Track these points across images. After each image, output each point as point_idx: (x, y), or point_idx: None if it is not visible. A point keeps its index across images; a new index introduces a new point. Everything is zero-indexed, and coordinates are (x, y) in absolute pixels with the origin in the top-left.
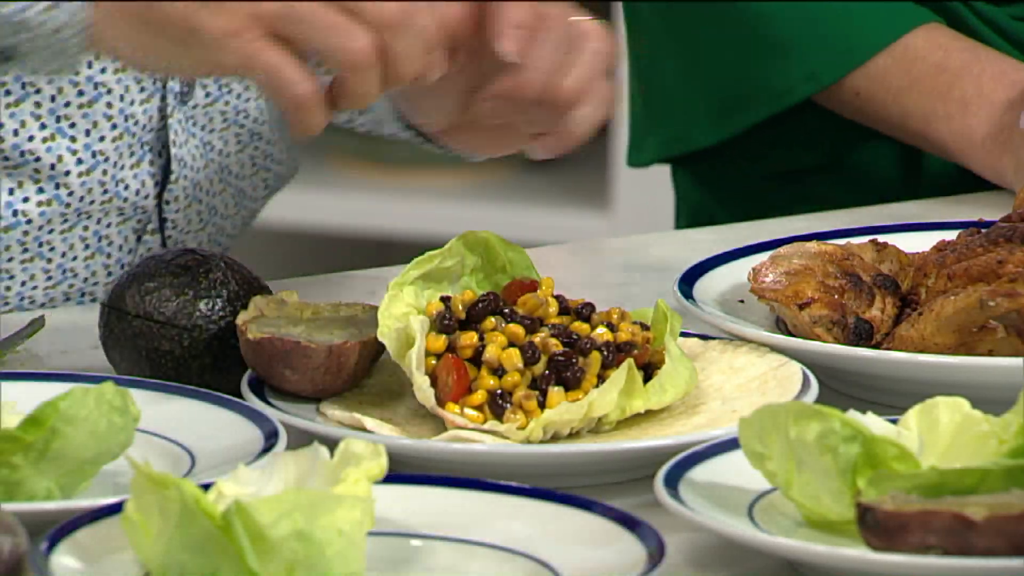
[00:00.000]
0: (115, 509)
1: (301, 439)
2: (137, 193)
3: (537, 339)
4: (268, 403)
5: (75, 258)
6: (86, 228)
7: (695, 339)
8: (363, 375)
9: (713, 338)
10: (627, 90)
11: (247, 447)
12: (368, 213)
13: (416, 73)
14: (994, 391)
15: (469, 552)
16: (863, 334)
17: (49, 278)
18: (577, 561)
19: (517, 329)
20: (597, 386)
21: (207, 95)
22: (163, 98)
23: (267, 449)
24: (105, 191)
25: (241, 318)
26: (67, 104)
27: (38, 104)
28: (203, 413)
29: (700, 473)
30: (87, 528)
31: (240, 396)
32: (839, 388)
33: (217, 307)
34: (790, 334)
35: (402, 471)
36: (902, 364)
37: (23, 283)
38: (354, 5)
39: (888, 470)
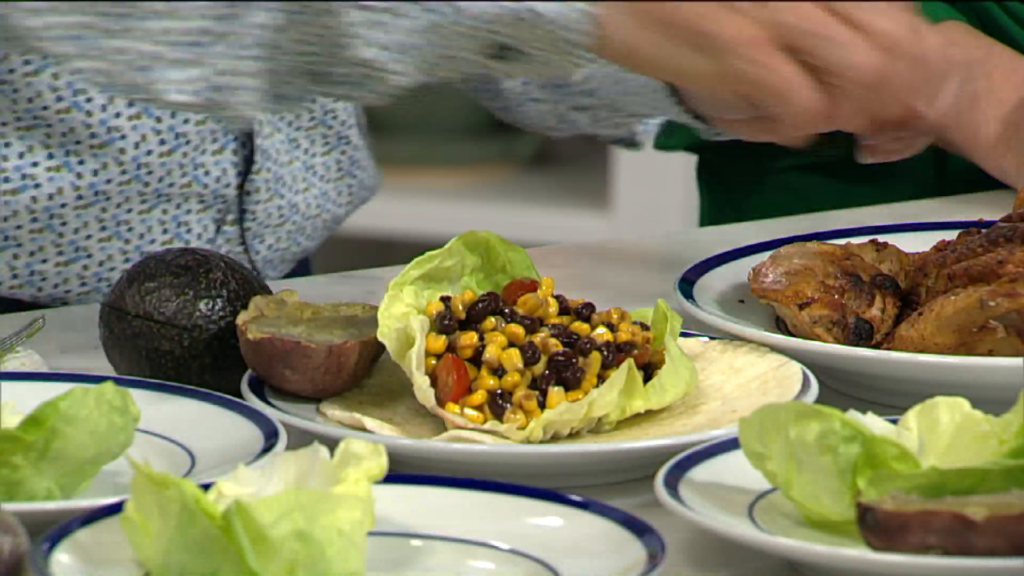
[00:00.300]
0: (115, 509)
1: (301, 439)
2: (218, 180)
3: (537, 339)
4: (268, 403)
5: (153, 241)
6: (165, 212)
7: (695, 339)
8: (363, 375)
9: (713, 338)
10: None
11: (247, 447)
12: (368, 213)
13: (907, 108)
14: (994, 391)
15: (469, 552)
16: (863, 334)
17: (127, 260)
18: (577, 561)
19: (517, 329)
20: (597, 386)
21: None
22: None
23: (267, 449)
24: (184, 174)
25: (241, 318)
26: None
27: None
28: (203, 413)
29: (700, 473)
30: (87, 528)
31: (240, 396)
32: (839, 388)
33: (217, 307)
34: (790, 334)
35: (402, 471)
36: (902, 364)
37: (100, 263)
38: (867, 24)
39: (888, 470)
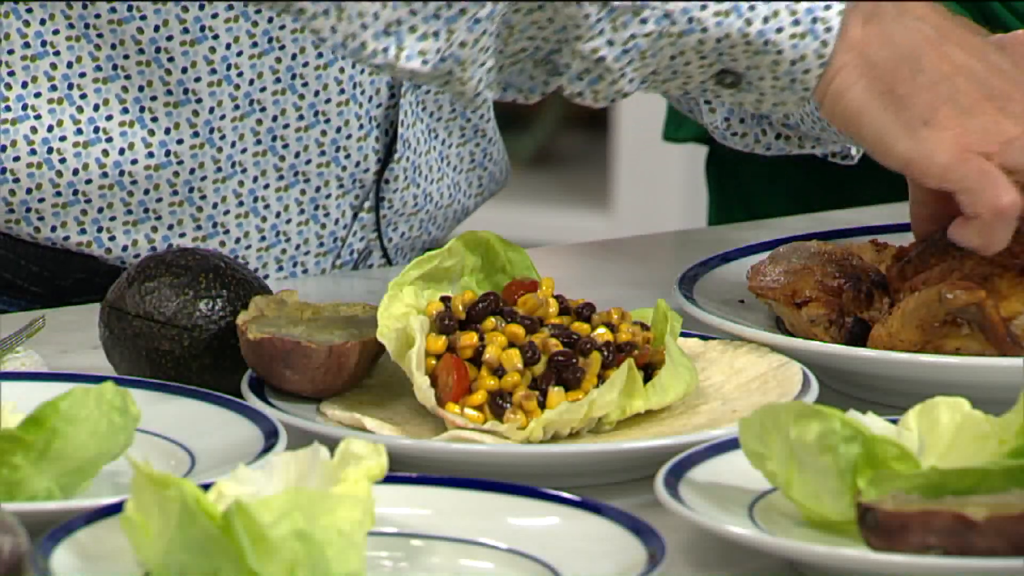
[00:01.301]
0: (115, 509)
1: (301, 439)
2: (358, 165)
3: (537, 339)
4: (268, 403)
5: (289, 221)
6: (303, 192)
7: (695, 339)
8: (363, 375)
9: (713, 338)
10: None
11: (247, 447)
12: None
13: None
14: (994, 391)
15: (469, 552)
16: (860, 334)
17: (263, 238)
18: (577, 561)
19: (517, 329)
20: (597, 386)
21: None
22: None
23: (267, 449)
24: (322, 152)
25: (241, 318)
26: (305, 64)
27: (279, 60)
28: (203, 413)
29: (700, 473)
30: (87, 528)
31: (240, 396)
32: (839, 388)
33: (217, 307)
34: (790, 334)
35: (402, 471)
36: (902, 364)
37: (237, 240)
38: None
39: (888, 470)
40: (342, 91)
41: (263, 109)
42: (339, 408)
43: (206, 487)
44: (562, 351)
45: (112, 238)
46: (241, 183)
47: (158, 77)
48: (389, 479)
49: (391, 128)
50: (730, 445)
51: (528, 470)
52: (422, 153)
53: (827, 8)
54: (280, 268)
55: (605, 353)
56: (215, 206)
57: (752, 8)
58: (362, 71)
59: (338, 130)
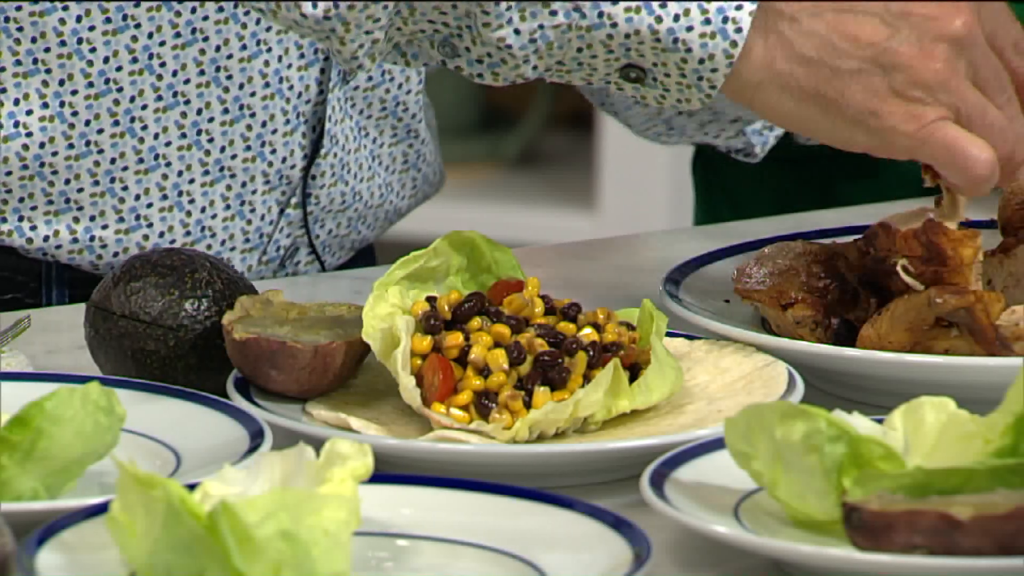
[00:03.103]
0: (101, 509)
1: (287, 439)
2: (284, 161)
3: (523, 339)
4: (254, 403)
5: (214, 216)
6: (229, 188)
7: (681, 339)
8: (349, 375)
9: (699, 338)
10: None
11: (233, 447)
12: None
13: None
14: (980, 391)
15: (455, 552)
16: (846, 335)
17: (187, 233)
18: (563, 561)
19: (503, 329)
20: (583, 386)
21: (369, 79)
22: (322, 71)
23: (253, 449)
24: (248, 147)
25: (227, 318)
26: (229, 56)
27: (202, 51)
28: (189, 413)
29: (686, 473)
30: (73, 528)
31: (226, 396)
32: (825, 388)
33: (203, 307)
34: (775, 334)
35: (388, 471)
36: (888, 364)
37: (161, 234)
38: (1004, 98)
39: (874, 470)
40: (267, 85)
41: (187, 102)
42: (325, 408)
43: (192, 487)
44: (548, 351)
45: (33, 227)
46: (165, 176)
47: (79, 69)
48: (375, 479)
49: (319, 124)
50: (716, 445)
51: (514, 470)
52: (351, 150)
53: (738, 8)
54: None
55: (591, 353)
56: (137, 198)
57: (663, 5)
58: (288, 65)
59: (264, 125)
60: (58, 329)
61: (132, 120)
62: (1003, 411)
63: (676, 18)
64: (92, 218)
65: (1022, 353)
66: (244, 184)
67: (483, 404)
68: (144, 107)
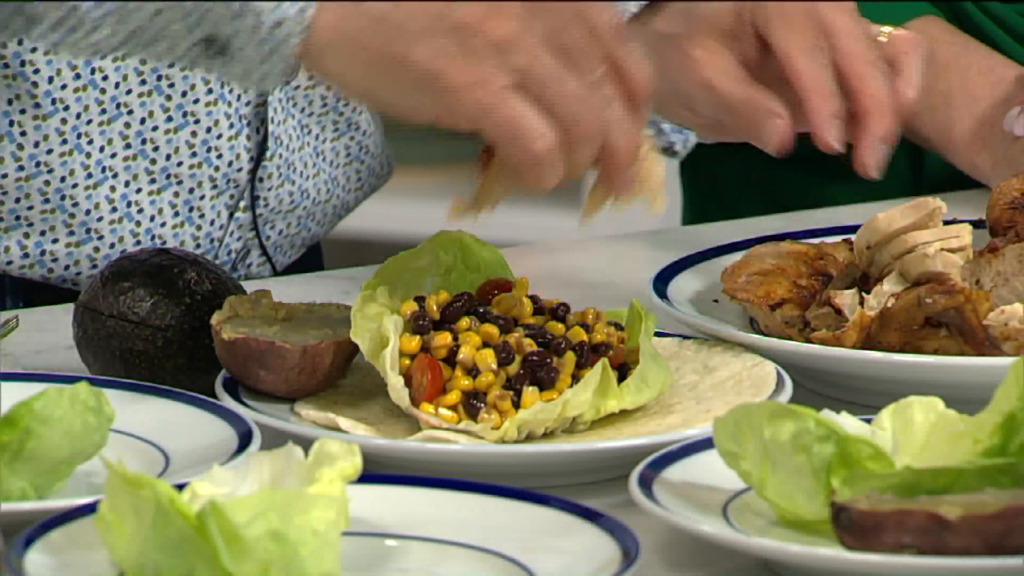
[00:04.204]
0: (90, 509)
1: (276, 439)
2: (230, 165)
3: (511, 339)
4: (242, 403)
5: (164, 224)
6: (176, 195)
7: (670, 339)
8: (337, 375)
9: (688, 338)
10: None
11: (221, 447)
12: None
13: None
14: (968, 391)
15: (444, 552)
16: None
17: (138, 242)
18: (551, 561)
19: (491, 329)
20: (571, 386)
21: (309, 77)
22: None
23: (241, 449)
24: (194, 153)
25: (215, 318)
26: (171, 64)
27: (143, 60)
28: (177, 413)
29: (674, 473)
30: (62, 528)
31: (214, 396)
32: (813, 388)
33: (191, 307)
34: (764, 334)
35: (377, 471)
36: (876, 364)
37: (112, 245)
38: (587, 64)
39: (862, 469)
40: (210, 91)
41: (130, 112)
42: (313, 408)
43: (180, 487)
44: (536, 351)
45: None
46: (113, 188)
47: (25, 90)
48: (363, 479)
49: (262, 126)
50: (704, 445)
51: (502, 470)
52: (295, 149)
53: None
54: None
55: (579, 353)
56: (88, 212)
57: None
58: None
59: (208, 130)
60: (46, 329)
61: (79, 136)
62: (992, 411)
63: None
64: (43, 232)
65: (1011, 353)
66: (192, 190)
67: (471, 404)
68: (89, 122)
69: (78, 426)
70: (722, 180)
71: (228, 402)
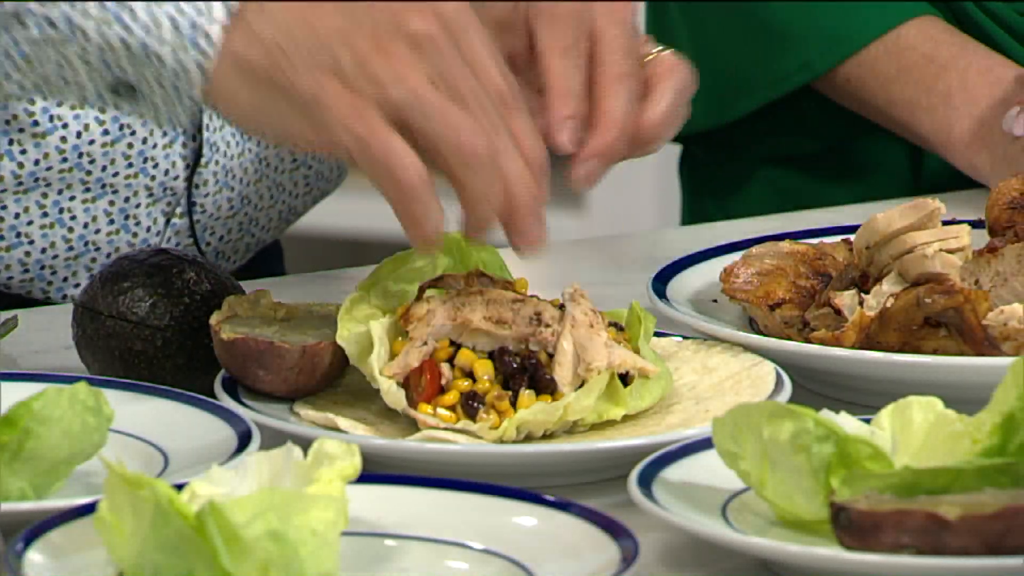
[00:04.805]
0: (89, 509)
1: (275, 439)
2: (167, 173)
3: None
4: (242, 403)
5: (98, 231)
6: (112, 203)
7: (669, 339)
8: (337, 375)
9: (687, 338)
10: None
11: (220, 447)
12: (342, 213)
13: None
14: (968, 391)
15: (443, 552)
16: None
17: (70, 248)
18: (551, 561)
19: None
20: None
21: None
22: None
23: (240, 449)
24: (130, 164)
25: (214, 318)
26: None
27: None
28: (176, 413)
29: (674, 473)
30: (61, 528)
31: (213, 396)
32: (812, 388)
33: (191, 307)
34: (763, 334)
35: (376, 471)
36: (875, 364)
37: (43, 250)
38: (478, 104)
39: (862, 469)
40: None
41: (65, 126)
42: (312, 408)
43: (179, 487)
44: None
45: None
46: (45, 195)
47: None
48: (363, 479)
49: (198, 133)
50: (703, 445)
51: (501, 470)
52: (234, 156)
53: (208, 15)
54: (90, 272)
55: None
56: (17, 216)
57: (134, 17)
58: None
59: (144, 141)
60: (46, 329)
61: (11, 143)
62: (991, 411)
63: (146, 30)
64: None
65: (1010, 353)
66: (127, 199)
67: (470, 404)
68: (21, 130)
69: (77, 426)
70: (721, 180)
71: (227, 402)
